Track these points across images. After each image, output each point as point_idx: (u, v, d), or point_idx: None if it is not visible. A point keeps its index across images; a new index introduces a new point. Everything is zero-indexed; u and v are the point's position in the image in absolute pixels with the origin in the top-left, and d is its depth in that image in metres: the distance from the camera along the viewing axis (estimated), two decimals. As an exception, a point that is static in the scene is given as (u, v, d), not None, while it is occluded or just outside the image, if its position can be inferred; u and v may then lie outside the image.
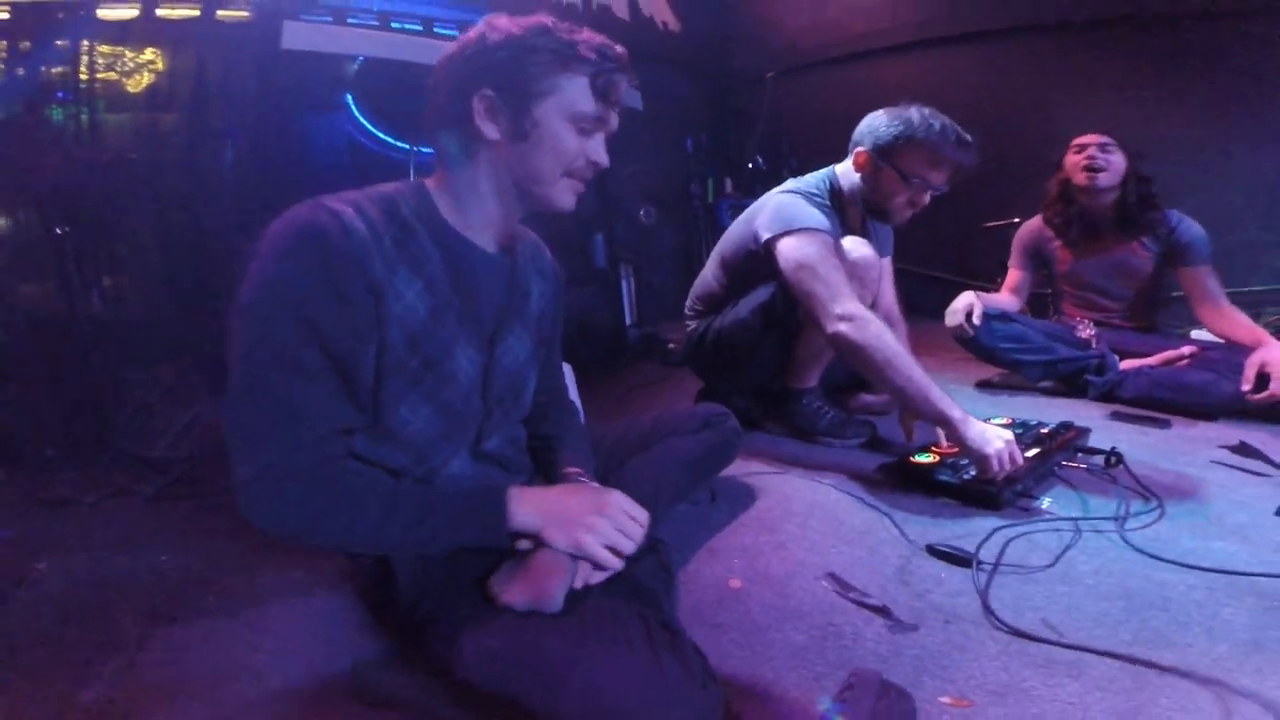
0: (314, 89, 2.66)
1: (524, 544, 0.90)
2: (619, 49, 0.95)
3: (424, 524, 0.86)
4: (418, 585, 0.93)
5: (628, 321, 3.53)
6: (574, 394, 1.73)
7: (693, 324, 2.00)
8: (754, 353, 1.83)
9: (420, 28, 2.91)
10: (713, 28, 4.47)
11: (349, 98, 2.75)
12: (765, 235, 1.70)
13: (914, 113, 1.66)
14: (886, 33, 3.95)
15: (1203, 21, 3.04)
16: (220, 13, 2.36)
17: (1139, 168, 2.24)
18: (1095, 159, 2.22)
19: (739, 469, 1.61)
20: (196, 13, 2.32)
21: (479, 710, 0.82)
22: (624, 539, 0.92)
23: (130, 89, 2.28)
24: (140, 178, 2.23)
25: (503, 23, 0.92)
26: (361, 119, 2.78)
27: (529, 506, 0.90)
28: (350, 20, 2.73)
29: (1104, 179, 2.20)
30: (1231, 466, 1.63)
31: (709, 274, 1.98)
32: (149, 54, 2.31)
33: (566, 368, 1.59)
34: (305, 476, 0.80)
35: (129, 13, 2.24)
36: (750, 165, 4.10)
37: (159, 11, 2.27)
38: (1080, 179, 2.24)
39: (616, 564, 0.91)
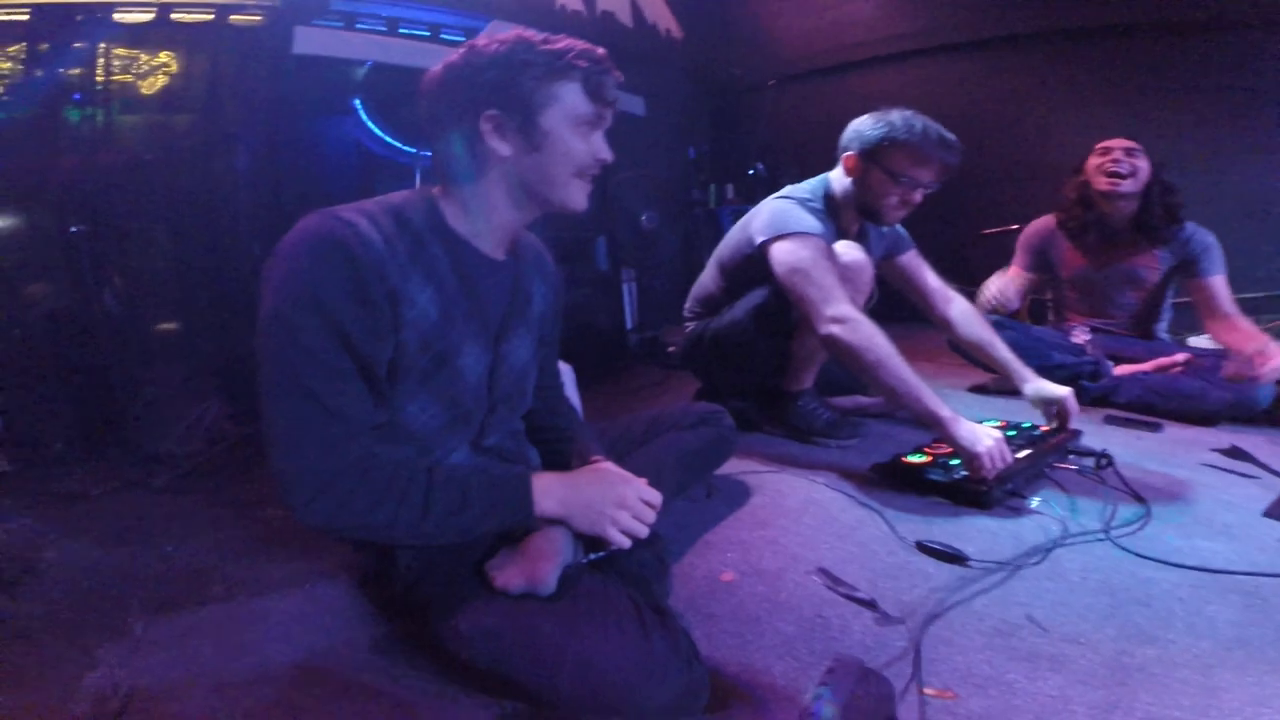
0: (324, 93, 2.70)
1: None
2: (600, 50, 0.99)
3: (463, 512, 0.88)
4: (416, 569, 0.96)
5: (628, 325, 3.56)
6: (574, 394, 1.76)
7: (691, 325, 2.04)
8: (750, 354, 1.87)
9: (428, 34, 2.97)
10: (714, 35, 4.51)
11: (357, 102, 2.80)
12: (760, 239, 1.74)
13: (895, 115, 1.70)
14: (883, 42, 4.01)
15: (1197, 32, 3.08)
16: (233, 17, 2.40)
17: (1163, 176, 2.19)
18: (1120, 164, 2.17)
19: (735, 467, 1.64)
20: (210, 17, 2.36)
21: (475, 690, 0.85)
22: (640, 526, 0.95)
23: (145, 91, 2.31)
24: (155, 179, 2.27)
25: (485, 44, 0.96)
26: (369, 123, 2.82)
27: (553, 495, 0.93)
28: (359, 26, 2.79)
29: (1127, 185, 2.16)
30: (1221, 469, 1.65)
31: (707, 277, 2.02)
32: (164, 57, 2.34)
33: (566, 368, 1.63)
34: (351, 473, 0.83)
35: (145, 16, 2.28)
36: (751, 172, 4.14)
37: (174, 16, 2.31)
38: (1102, 184, 2.19)
39: (627, 544, 0.95)
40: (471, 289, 0.98)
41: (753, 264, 1.78)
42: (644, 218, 3.45)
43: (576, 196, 1.00)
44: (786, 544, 1.31)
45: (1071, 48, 3.42)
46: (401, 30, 2.91)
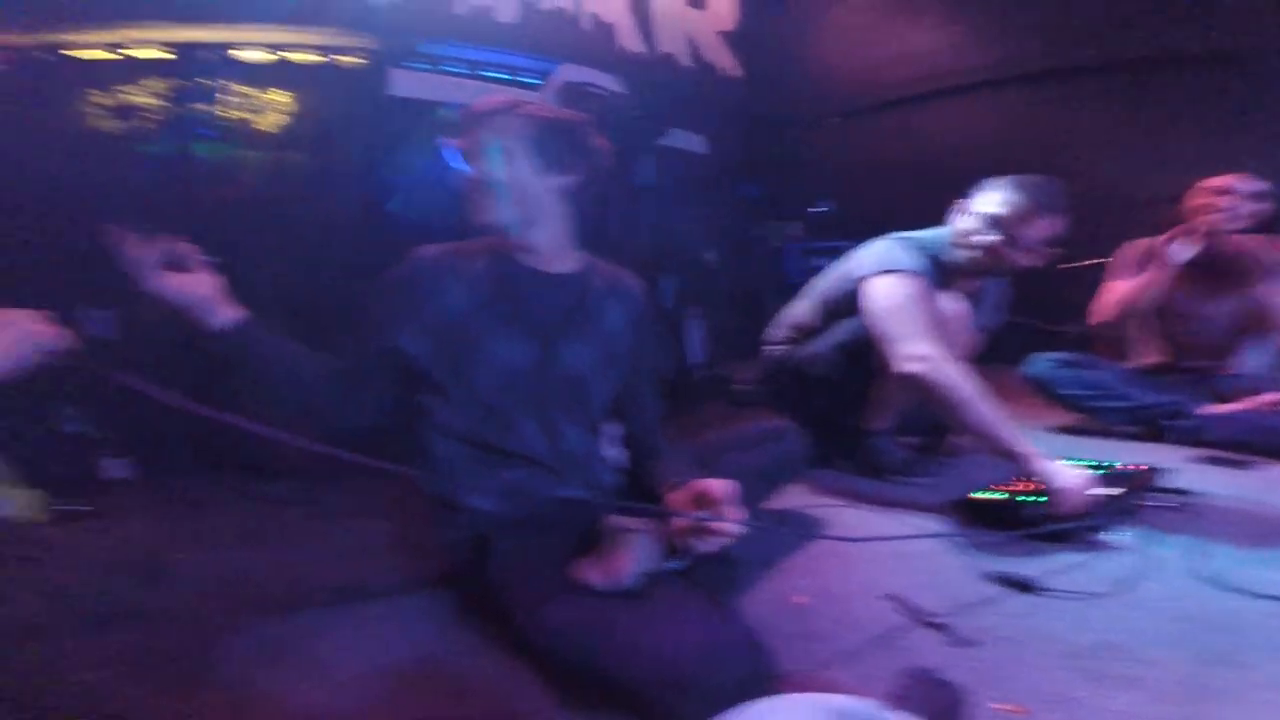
0: (418, 133, 2.84)
1: (606, 526, 1.02)
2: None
3: None
4: (505, 572, 1.05)
5: (693, 362, 3.62)
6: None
7: (774, 351, 2.06)
8: (832, 387, 1.87)
9: (509, 76, 3.17)
10: (774, 72, 4.55)
11: (443, 144, 2.98)
12: (861, 273, 1.77)
13: (1028, 183, 1.72)
14: (951, 74, 3.96)
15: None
16: (339, 58, 2.64)
17: (1275, 211, 2.15)
18: (1228, 202, 2.14)
19: (806, 500, 1.68)
20: (322, 59, 2.61)
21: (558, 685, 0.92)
22: (718, 540, 1.01)
23: (261, 127, 2.52)
24: (272, 211, 2.47)
25: (539, 109, 1.18)
26: (455, 164, 2.99)
27: None
28: (445, 69, 2.99)
29: (1235, 222, 2.12)
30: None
31: (802, 305, 2.03)
32: (277, 95, 2.55)
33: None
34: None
35: (262, 56, 2.53)
36: (816, 210, 4.13)
37: (289, 56, 2.56)
38: (1210, 221, 2.15)
39: (707, 552, 1.01)
40: (511, 291, 1.16)
41: (850, 298, 1.80)
42: (707, 256, 3.53)
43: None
44: (857, 571, 1.33)
45: (1148, 77, 3.34)
46: (482, 73, 3.11)
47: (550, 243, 1.18)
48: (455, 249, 1.20)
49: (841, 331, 1.84)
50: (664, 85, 3.81)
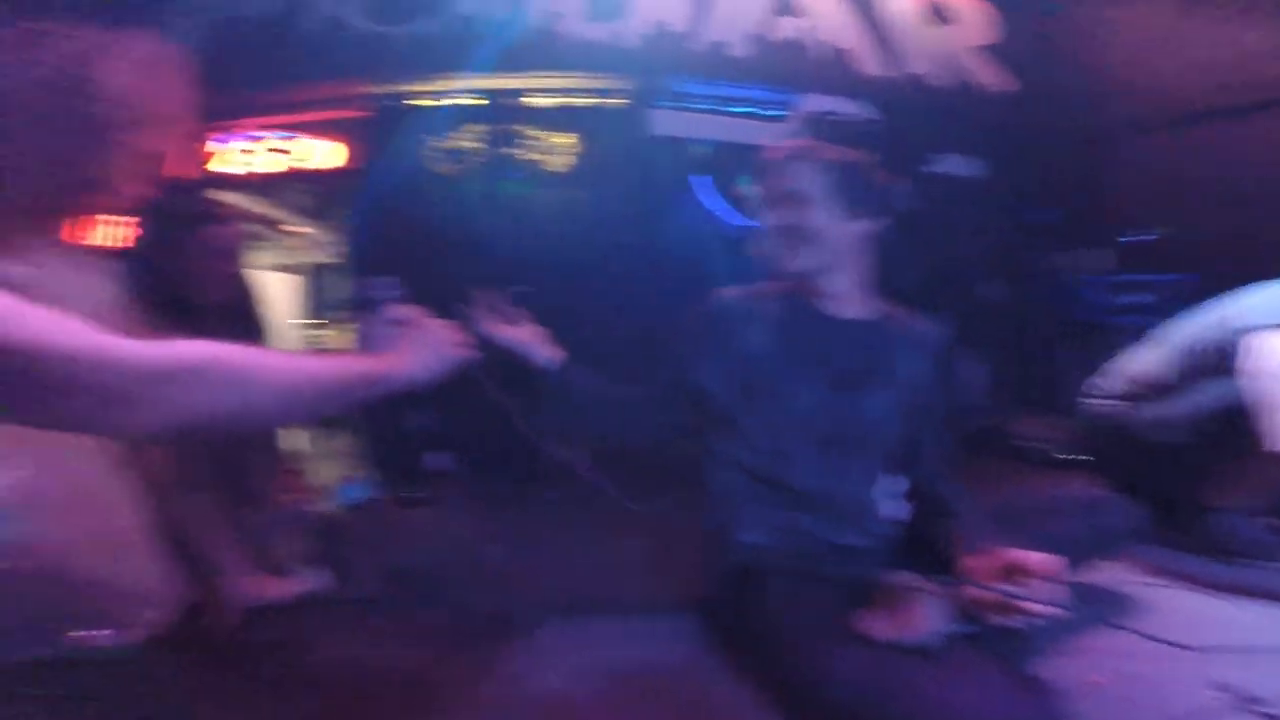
0: (680, 171, 3.03)
1: (895, 582, 0.98)
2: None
3: None
4: (784, 609, 1.05)
5: (969, 412, 3.25)
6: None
7: (1104, 407, 1.82)
8: (1181, 456, 1.62)
9: (752, 110, 3.21)
10: (1060, 83, 4.02)
11: (703, 179, 3.07)
12: (1245, 324, 1.49)
13: None
14: None
15: None
16: (608, 101, 2.91)
17: None
18: None
19: (1125, 577, 1.47)
20: (599, 101, 2.90)
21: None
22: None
23: (550, 168, 2.84)
24: (569, 247, 2.74)
25: (834, 153, 1.18)
26: (716, 200, 3.06)
27: None
28: (696, 106, 3.11)
29: None
30: None
31: (1151, 355, 1.75)
32: (562, 138, 2.85)
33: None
34: None
35: (547, 101, 2.87)
36: (1133, 238, 3.41)
37: (571, 101, 2.88)
38: None
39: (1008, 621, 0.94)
40: (804, 335, 1.17)
41: (1223, 354, 1.52)
42: (984, 290, 3.22)
43: None
44: (1177, 656, 1.14)
45: None
46: (728, 109, 3.18)
47: (848, 288, 1.19)
48: (755, 291, 1.24)
49: (1210, 394, 1.56)
50: (917, 108, 3.58)
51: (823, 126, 3.12)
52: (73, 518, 0.94)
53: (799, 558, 1.12)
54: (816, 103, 3.28)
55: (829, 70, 3.46)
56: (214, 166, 3.02)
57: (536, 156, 2.85)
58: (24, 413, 0.65)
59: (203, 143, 2.84)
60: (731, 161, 3.02)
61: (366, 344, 0.92)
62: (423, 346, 0.90)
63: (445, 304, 0.99)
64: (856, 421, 1.17)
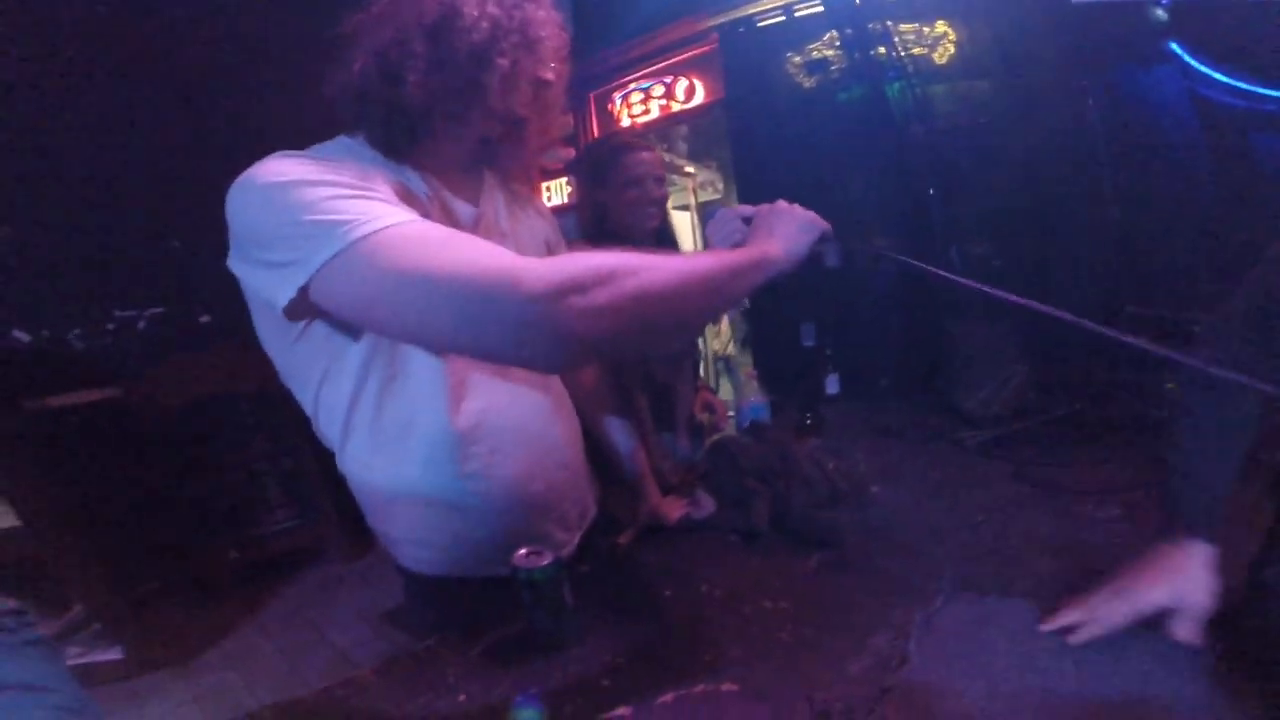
0: (1127, 41, 2.28)
1: None
2: None
3: None
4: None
5: None
6: None
7: None
8: None
9: None
10: None
11: (1174, 45, 2.24)
12: None
13: None
14: None
15: None
16: None
17: None
18: None
19: None
20: None
21: None
22: None
23: (938, 61, 2.40)
24: (989, 142, 2.34)
25: None
26: (1198, 66, 2.21)
27: None
28: None
29: None
30: None
31: None
32: (940, 27, 2.40)
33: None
34: None
35: None
36: None
37: None
38: None
39: None
40: None
41: None
42: None
43: None
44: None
45: None
46: None
47: None
48: None
49: None
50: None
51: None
52: (524, 448, 1.11)
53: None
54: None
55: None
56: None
57: (918, 52, 2.39)
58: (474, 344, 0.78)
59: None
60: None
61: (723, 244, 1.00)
62: (784, 228, 0.95)
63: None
64: None
